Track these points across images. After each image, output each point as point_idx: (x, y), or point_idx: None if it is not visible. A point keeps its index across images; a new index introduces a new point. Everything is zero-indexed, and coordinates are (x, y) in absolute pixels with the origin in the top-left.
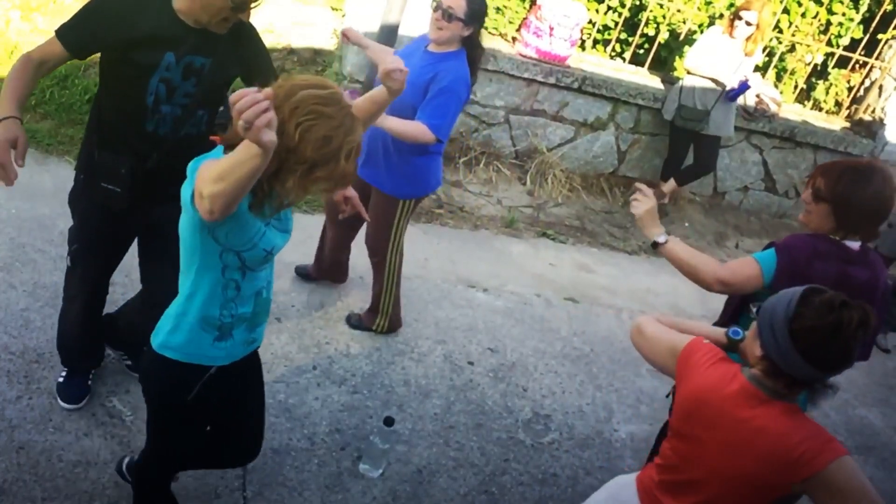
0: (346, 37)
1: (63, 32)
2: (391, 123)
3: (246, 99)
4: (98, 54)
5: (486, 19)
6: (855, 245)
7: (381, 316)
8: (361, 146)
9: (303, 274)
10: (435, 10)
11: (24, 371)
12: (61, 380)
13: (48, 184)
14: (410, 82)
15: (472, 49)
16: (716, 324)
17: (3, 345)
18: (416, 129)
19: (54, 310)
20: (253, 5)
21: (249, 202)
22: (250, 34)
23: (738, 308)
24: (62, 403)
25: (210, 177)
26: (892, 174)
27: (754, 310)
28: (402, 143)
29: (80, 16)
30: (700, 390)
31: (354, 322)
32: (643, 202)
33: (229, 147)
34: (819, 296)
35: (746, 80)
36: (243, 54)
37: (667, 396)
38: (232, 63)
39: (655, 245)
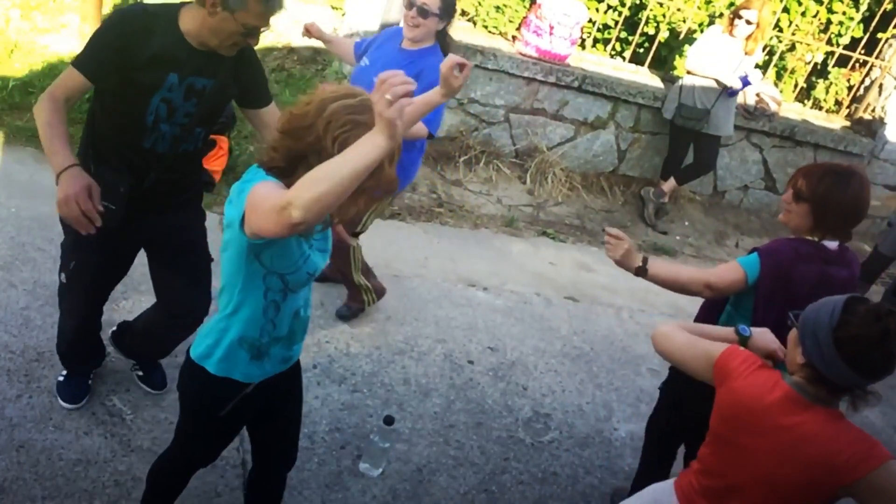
0: (307, 31)
1: (82, 63)
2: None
3: (398, 76)
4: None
5: (487, 18)
6: (833, 245)
7: (364, 292)
8: (401, 149)
9: None
10: (409, 7)
11: (25, 370)
12: (61, 379)
13: (48, 183)
14: None
15: (443, 41)
16: (696, 320)
17: (4, 343)
18: (417, 129)
19: (54, 308)
20: (262, 31)
21: None
22: (250, 57)
23: (713, 305)
24: (62, 403)
25: (311, 178)
26: (869, 180)
27: (792, 318)
28: None
29: (94, 44)
30: (743, 397)
31: (344, 313)
32: (617, 246)
33: (271, 169)
34: (863, 305)
35: (746, 76)
36: (242, 76)
37: (659, 388)
38: (233, 86)
39: (639, 272)
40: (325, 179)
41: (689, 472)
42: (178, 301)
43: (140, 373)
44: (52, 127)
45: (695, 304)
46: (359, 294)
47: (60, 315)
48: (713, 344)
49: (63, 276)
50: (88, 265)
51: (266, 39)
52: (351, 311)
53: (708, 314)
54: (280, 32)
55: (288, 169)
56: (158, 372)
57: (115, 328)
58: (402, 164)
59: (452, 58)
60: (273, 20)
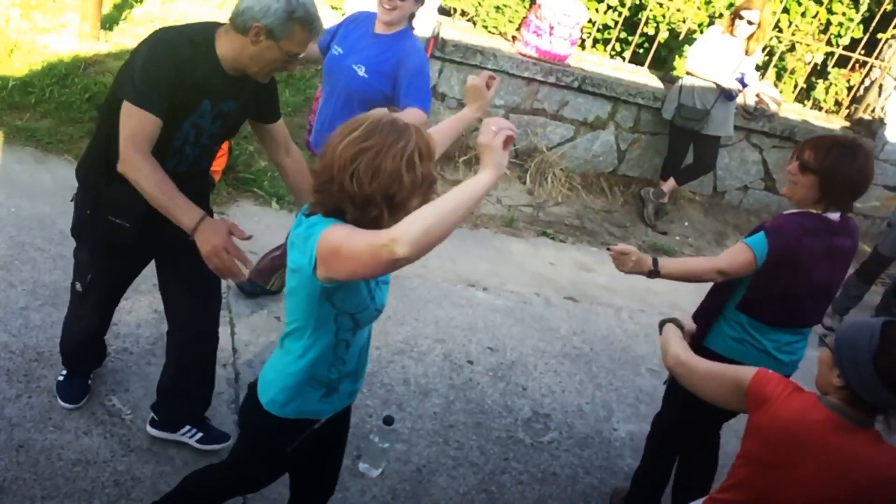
0: None
1: (150, 102)
2: (407, 120)
3: (504, 121)
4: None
5: (487, 18)
6: (835, 216)
7: (278, 275)
8: (423, 143)
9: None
10: None
11: (24, 370)
12: (61, 378)
13: (48, 182)
14: (377, 70)
15: (411, 23)
16: (696, 315)
17: (3, 343)
18: (417, 115)
19: (54, 308)
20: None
21: None
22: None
23: (720, 289)
24: (62, 403)
25: (418, 214)
26: (872, 152)
27: (825, 339)
28: None
29: (151, 79)
30: (784, 421)
31: (248, 288)
32: (625, 261)
33: (330, 212)
34: None
35: (743, 76)
36: (261, 96)
37: (664, 383)
38: (252, 105)
39: (652, 275)
40: (431, 215)
41: (717, 495)
42: (188, 309)
43: (199, 434)
44: (164, 183)
45: (695, 304)
46: (271, 273)
47: (70, 318)
48: (736, 370)
49: (78, 285)
50: (104, 278)
51: None
52: (253, 288)
53: (715, 299)
54: None
55: (339, 212)
56: (214, 428)
57: (151, 415)
58: None
59: (483, 74)
60: None
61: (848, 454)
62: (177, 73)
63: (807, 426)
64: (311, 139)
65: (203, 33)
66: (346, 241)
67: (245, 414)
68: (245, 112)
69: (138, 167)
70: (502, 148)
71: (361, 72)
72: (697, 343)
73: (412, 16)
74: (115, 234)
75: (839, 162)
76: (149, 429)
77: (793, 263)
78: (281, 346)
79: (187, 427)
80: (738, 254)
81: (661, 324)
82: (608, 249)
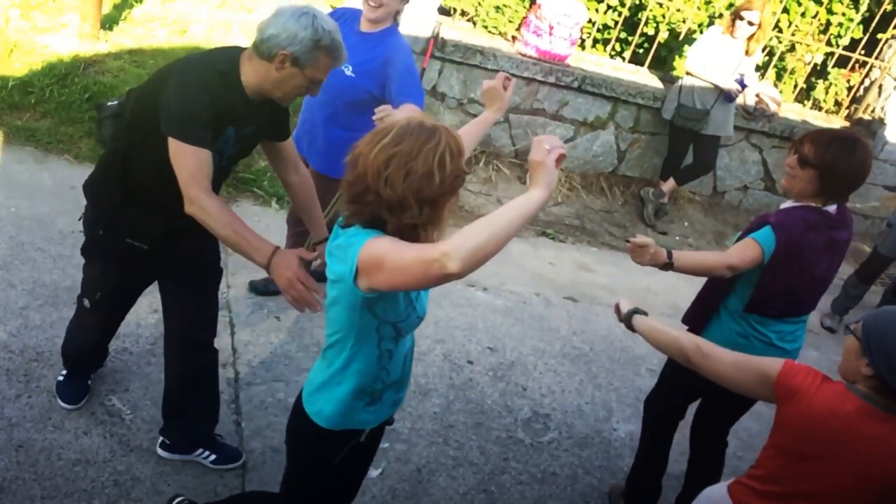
0: None
1: (199, 138)
2: (401, 117)
3: (556, 140)
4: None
5: (487, 18)
6: (833, 209)
7: None
8: (453, 141)
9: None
10: None
11: (24, 369)
12: (61, 379)
13: (48, 182)
14: (364, 70)
15: (396, 20)
16: (685, 317)
17: (3, 343)
18: (413, 111)
19: (54, 308)
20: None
21: None
22: None
23: (707, 309)
24: (62, 403)
25: (470, 230)
26: (870, 146)
27: (850, 328)
28: (350, 123)
29: (192, 113)
30: (817, 413)
31: (261, 288)
32: (643, 252)
33: (368, 222)
34: None
35: (742, 77)
36: (276, 117)
37: (662, 371)
38: (268, 125)
39: (667, 267)
40: (483, 232)
41: (746, 480)
42: (189, 318)
43: (213, 456)
44: (233, 223)
45: None
46: None
47: (74, 327)
48: (762, 362)
49: (86, 301)
50: (114, 295)
51: None
52: (266, 288)
53: (713, 292)
54: None
55: (377, 221)
56: (226, 446)
57: (161, 439)
58: None
59: (499, 75)
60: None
61: (881, 442)
62: (211, 104)
63: (840, 417)
64: (294, 136)
65: (228, 62)
66: (391, 253)
67: (292, 427)
68: (262, 133)
69: (206, 210)
70: (554, 166)
71: (349, 72)
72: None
73: (398, 13)
74: (130, 254)
75: (839, 156)
76: (160, 451)
77: (797, 258)
78: (323, 357)
79: (200, 449)
80: (747, 249)
81: (628, 319)
82: (627, 241)
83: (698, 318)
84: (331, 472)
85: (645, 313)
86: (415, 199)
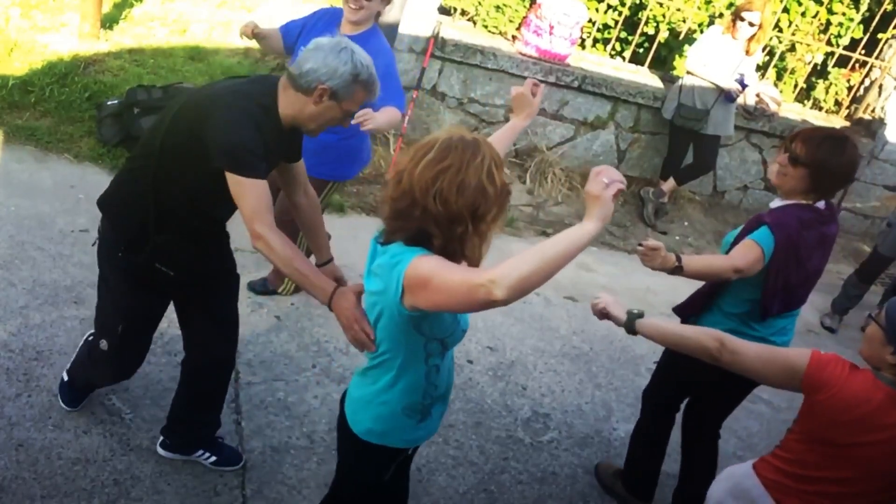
0: (247, 34)
1: (259, 170)
2: (382, 119)
3: (614, 172)
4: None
5: (487, 18)
6: (822, 205)
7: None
8: (495, 154)
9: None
10: None
11: (24, 368)
12: (65, 379)
13: (47, 181)
14: None
15: (377, 21)
16: (678, 308)
17: (3, 342)
18: (394, 114)
19: (53, 307)
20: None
21: None
22: None
23: (706, 301)
24: (62, 404)
25: (520, 259)
26: (856, 143)
27: (872, 315)
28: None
29: (249, 147)
30: (848, 403)
31: (259, 287)
32: (654, 256)
33: (412, 237)
34: None
35: (742, 77)
36: (294, 139)
37: (655, 363)
38: (287, 148)
39: (676, 271)
40: (533, 262)
41: (772, 459)
42: (211, 336)
43: (213, 457)
44: (296, 259)
45: None
46: (283, 277)
47: (89, 367)
48: (788, 355)
49: (104, 343)
50: (136, 325)
51: None
52: (265, 288)
53: (707, 289)
54: None
55: (421, 238)
56: (227, 447)
57: (161, 438)
58: (356, 149)
59: (528, 81)
60: (273, 18)
61: None
62: (261, 137)
63: (870, 405)
64: None
65: (268, 96)
66: (437, 273)
67: (342, 448)
68: (283, 156)
69: (272, 247)
70: (611, 201)
71: None
72: (684, 322)
73: (378, 14)
74: (158, 280)
75: (829, 155)
76: (160, 450)
77: (794, 256)
78: (364, 375)
79: (201, 451)
80: (749, 251)
81: (630, 325)
82: (639, 245)
83: (692, 310)
84: (380, 488)
85: (641, 314)
86: (468, 213)
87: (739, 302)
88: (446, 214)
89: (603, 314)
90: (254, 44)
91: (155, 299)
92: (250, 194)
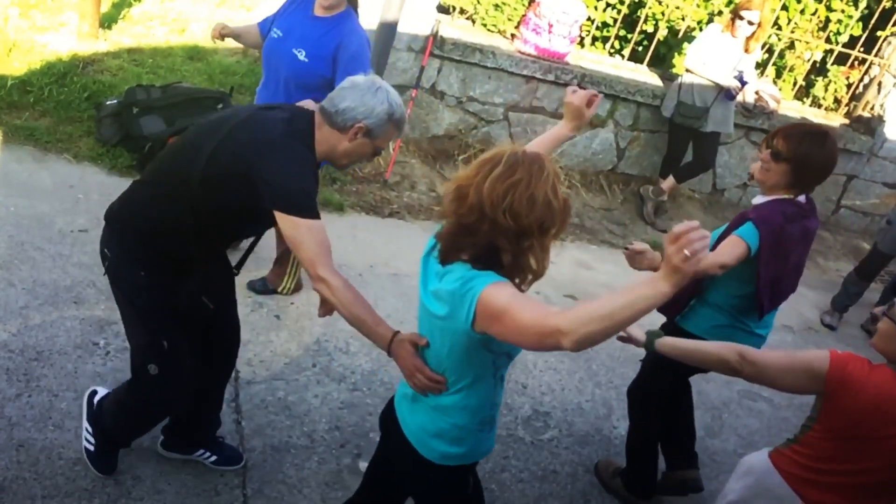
0: (219, 35)
1: (312, 210)
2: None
3: (696, 231)
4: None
5: (486, 16)
6: (803, 199)
7: (289, 277)
8: (555, 168)
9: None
10: None
11: (24, 369)
12: (91, 448)
13: (47, 181)
14: (316, 54)
15: (355, 4)
16: (663, 308)
17: (3, 342)
18: None
19: (53, 307)
20: None
21: None
22: None
23: (688, 297)
24: (99, 473)
25: (591, 314)
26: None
27: (885, 312)
28: None
29: (307, 188)
30: (871, 398)
31: (259, 287)
32: (639, 259)
33: (478, 253)
34: None
35: (742, 74)
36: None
37: (640, 361)
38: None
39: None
40: (604, 320)
41: (790, 454)
42: (226, 346)
43: (214, 457)
44: (355, 305)
45: None
46: (282, 276)
47: (141, 406)
48: (807, 359)
49: (153, 367)
50: (178, 338)
51: None
52: (264, 287)
53: (693, 284)
54: None
55: (488, 258)
56: (227, 447)
57: (162, 438)
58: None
59: (585, 93)
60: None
61: None
62: (315, 178)
63: (893, 400)
64: None
65: (311, 136)
66: (511, 309)
67: (416, 480)
68: None
69: (333, 291)
70: (690, 273)
71: (302, 56)
72: (670, 320)
73: None
74: (197, 312)
75: (811, 150)
76: (160, 450)
77: (779, 250)
78: (419, 402)
79: (202, 450)
80: (734, 247)
81: (650, 344)
82: (625, 249)
83: (675, 307)
84: (467, 501)
85: (660, 333)
86: (536, 227)
87: (729, 296)
88: (516, 229)
89: (622, 337)
90: None
91: (192, 332)
92: (310, 237)
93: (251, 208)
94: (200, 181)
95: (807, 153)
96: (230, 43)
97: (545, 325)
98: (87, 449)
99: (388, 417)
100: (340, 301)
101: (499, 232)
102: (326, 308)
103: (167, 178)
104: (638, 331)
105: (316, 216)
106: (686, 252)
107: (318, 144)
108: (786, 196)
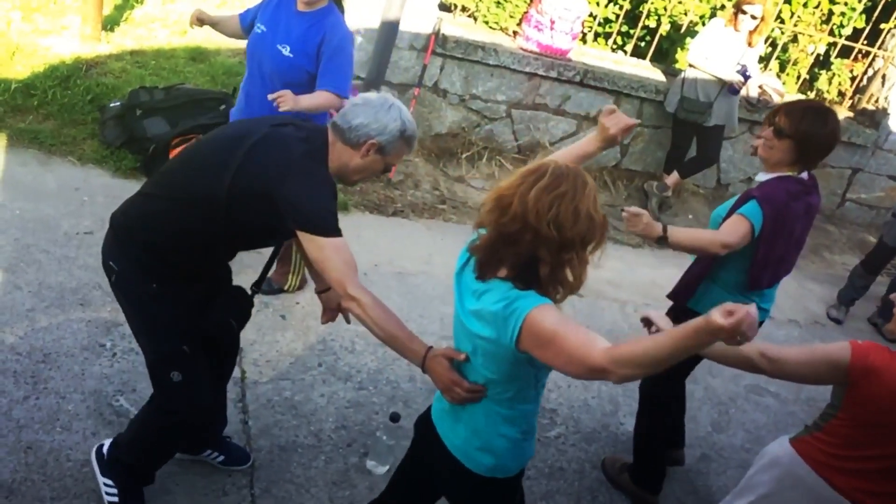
0: (197, 22)
1: (336, 229)
2: (305, 103)
3: (752, 316)
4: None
5: (488, 13)
6: (805, 175)
7: (293, 274)
8: (595, 186)
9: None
10: None
11: (31, 371)
12: (117, 499)
13: (51, 184)
14: (301, 50)
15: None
16: (672, 294)
17: (10, 345)
18: (326, 99)
19: (60, 310)
20: None
21: None
22: None
23: (697, 281)
24: None
25: (640, 358)
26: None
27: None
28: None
29: (330, 207)
30: (893, 386)
31: (265, 288)
32: (636, 221)
33: (519, 264)
34: None
35: (745, 68)
36: None
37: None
38: None
39: (661, 240)
40: (651, 363)
41: (814, 442)
42: (227, 347)
43: (221, 457)
44: (386, 322)
45: None
46: (287, 274)
47: (167, 420)
48: (828, 351)
49: (175, 374)
50: (196, 342)
51: None
52: (270, 287)
53: (703, 263)
54: None
55: (526, 272)
56: (234, 446)
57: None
58: None
59: (625, 121)
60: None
61: None
62: (335, 197)
63: None
64: (232, 112)
65: (327, 154)
66: (557, 336)
67: (465, 495)
68: None
69: (364, 308)
70: (744, 341)
71: (286, 51)
72: (681, 305)
73: None
74: (219, 331)
75: (813, 125)
76: None
77: (784, 227)
78: (458, 417)
79: (209, 450)
80: (737, 226)
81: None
82: (622, 211)
83: (686, 291)
84: None
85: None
86: (579, 240)
87: (736, 272)
88: (559, 240)
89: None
90: None
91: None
92: (337, 257)
93: (274, 226)
94: (227, 198)
95: (809, 129)
96: (232, 44)
97: (592, 360)
98: (111, 503)
99: (426, 426)
100: (372, 319)
101: (541, 242)
102: (329, 316)
103: (184, 192)
104: (665, 322)
105: (339, 234)
106: (745, 331)
107: (334, 163)
108: (789, 173)
